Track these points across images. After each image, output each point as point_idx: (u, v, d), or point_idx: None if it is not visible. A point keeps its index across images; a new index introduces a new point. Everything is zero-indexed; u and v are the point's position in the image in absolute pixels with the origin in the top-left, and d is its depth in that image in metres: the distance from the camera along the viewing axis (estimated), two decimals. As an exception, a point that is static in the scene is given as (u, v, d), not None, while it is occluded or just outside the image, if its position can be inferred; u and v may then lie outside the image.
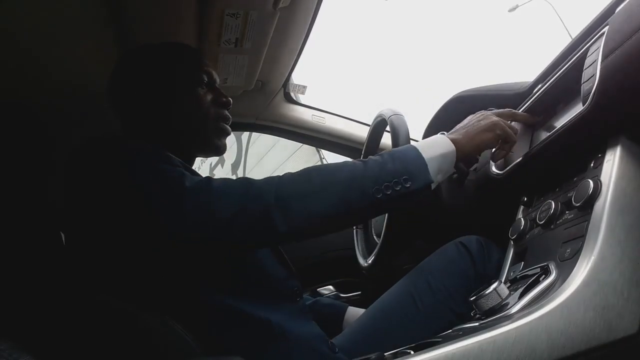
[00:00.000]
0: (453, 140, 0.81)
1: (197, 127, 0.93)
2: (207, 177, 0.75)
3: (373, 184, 0.74)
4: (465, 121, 0.88)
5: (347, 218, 0.77)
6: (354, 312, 1.10)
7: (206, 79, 0.95)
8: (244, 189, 0.71)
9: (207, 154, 0.99)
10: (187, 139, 0.93)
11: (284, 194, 0.71)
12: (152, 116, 0.91)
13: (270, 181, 0.73)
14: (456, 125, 0.88)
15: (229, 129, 0.98)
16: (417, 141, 0.86)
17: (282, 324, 0.78)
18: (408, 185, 0.74)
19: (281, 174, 0.76)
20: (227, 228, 0.69)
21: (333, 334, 0.93)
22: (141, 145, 0.78)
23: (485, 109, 1.10)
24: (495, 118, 0.86)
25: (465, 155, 0.83)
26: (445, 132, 0.86)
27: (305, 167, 0.77)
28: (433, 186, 0.78)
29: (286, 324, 0.79)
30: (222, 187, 0.71)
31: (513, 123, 0.97)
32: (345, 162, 0.78)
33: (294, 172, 0.76)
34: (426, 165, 0.77)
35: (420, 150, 0.78)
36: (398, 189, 0.74)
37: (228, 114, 0.97)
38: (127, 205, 0.71)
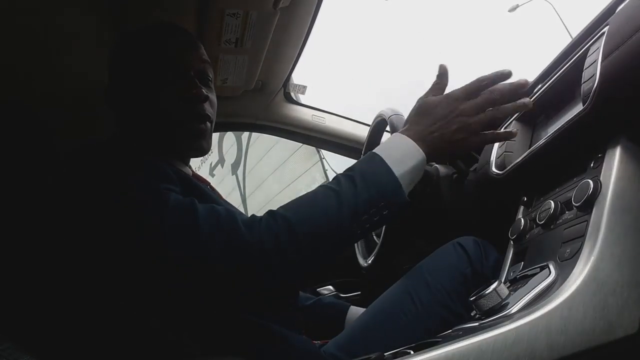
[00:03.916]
0: (421, 147, 0.73)
1: (160, 129, 0.82)
2: (191, 201, 0.69)
3: (351, 220, 0.67)
4: (430, 116, 0.74)
5: (323, 256, 0.71)
6: (356, 312, 1.10)
7: (171, 73, 0.81)
8: (228, 228, 0.66)
9: (189, 155, 0.90)
10: (160, 140, 0.83)
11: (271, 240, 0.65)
12: (129, 115, 0.85)
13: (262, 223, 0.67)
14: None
15: (204, 127, 0.84)
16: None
17: (282, 330, 0.78)
18: (385, 213, 0.69)
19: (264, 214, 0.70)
20: (205, 259, 0.65)
21: (336, 334, 0.93)
22: (136, 159, 0.75)
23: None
24: (470, 119, 0.73)
25: (435, 160, 0.76)
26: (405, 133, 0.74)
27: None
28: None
29: (284, 331, 0.79)
30: (205, 214, 0.67)
31: (512, 124, 0.98)
32: (315, 195, 0.70)
33: (275, 214, 0.68)
34: (400, 185, 0.70)
35: (391, 166, 0.71)
36: (376, 219, 0.68)
37: (203, 111, 0.83)
38: (115, 218, 0.68)
